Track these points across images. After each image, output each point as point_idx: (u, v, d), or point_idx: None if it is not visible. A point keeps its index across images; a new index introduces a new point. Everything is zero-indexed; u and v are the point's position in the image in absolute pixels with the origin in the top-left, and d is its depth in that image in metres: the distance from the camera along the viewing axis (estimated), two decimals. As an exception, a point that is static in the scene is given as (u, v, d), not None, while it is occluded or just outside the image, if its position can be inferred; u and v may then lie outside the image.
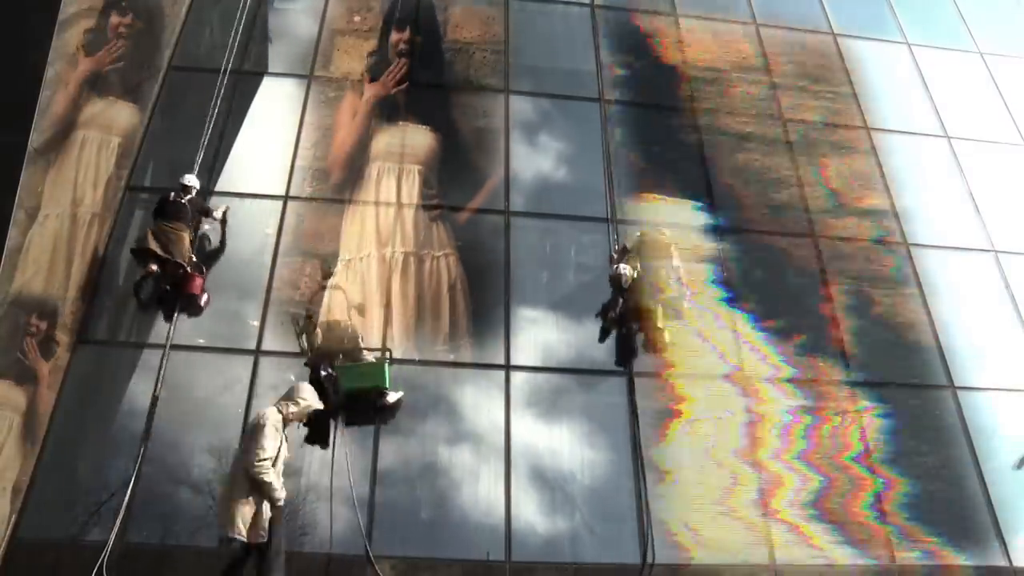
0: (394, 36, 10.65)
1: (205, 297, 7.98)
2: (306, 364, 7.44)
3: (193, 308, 7.94)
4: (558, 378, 8.16)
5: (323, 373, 7.26)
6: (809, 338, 8.77)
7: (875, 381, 8.59)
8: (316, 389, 6.95)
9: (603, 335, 8.43)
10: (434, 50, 10.64)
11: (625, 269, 8.29)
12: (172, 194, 8.01)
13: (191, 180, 8.19)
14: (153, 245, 7.62)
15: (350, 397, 7.35)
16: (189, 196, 8.06)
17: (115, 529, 6.56)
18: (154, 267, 7.66)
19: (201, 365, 7.74)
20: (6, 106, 6.97)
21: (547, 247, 9.04)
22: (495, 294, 8.54)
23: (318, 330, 7.48)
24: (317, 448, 7.34)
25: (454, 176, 9.38)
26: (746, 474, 7.73)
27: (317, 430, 7.34)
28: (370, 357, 7.58)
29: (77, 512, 6.83)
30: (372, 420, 7.52)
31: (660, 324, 8.24)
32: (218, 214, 8.37)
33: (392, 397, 7.53)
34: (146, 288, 7.91)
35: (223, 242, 8.47)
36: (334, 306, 8.00)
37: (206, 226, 8.30)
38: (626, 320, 8.33)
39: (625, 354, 8.31)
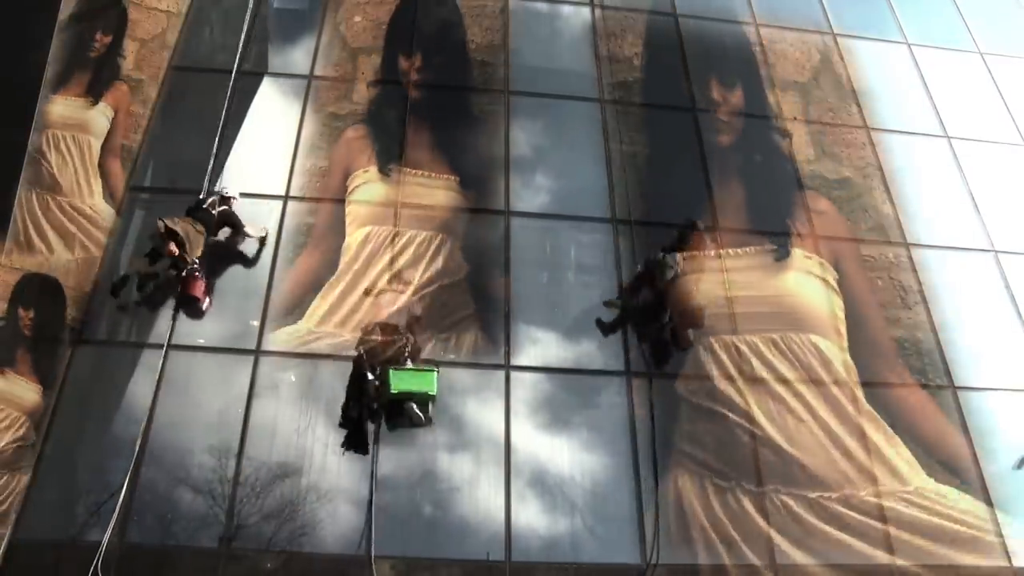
0: (403, 63, 10.38)
1: (207, 301, 7.99)
2: (355, 361, 7.52)
3: (194, 311, 7.94)
4: (558, 378, 8.16)
5: (370, 376, 7.39)
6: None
7: (874, 380, 8.62)
8: (355, 387, 7.31)
9: (619, 313, 8.45)
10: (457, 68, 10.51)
11: (671, 261, 8.28)
12: (209, 200, 8.13)
13: (232, 192, 8.32)
14: (179, 228, 7.67)
15: (394, 401, 7.42)
16: (224, 207, 8.14)
17: (109, 529, 6.57)
18: (175, 248, 7.64)
19: (201, 365, 7.75)
20: (6, 106, 6.96)
21: (547, 247, 9.04)
22: (495, 294, 8.54)
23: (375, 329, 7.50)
24: (321, 444, 7.36)
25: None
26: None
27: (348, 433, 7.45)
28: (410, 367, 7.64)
29: (77, 512, 6.84)
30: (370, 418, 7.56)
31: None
32: (253, 231, 8.34)
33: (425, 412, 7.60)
34: (128, 289, 7.93)
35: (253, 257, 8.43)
36: (392, 309, 7.96)
37: (221, 237, 8.28)
38: (653, 310, 8.37)
39: (659, 352, 8.36)
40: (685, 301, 8.46)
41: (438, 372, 7.63)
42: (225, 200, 8.23)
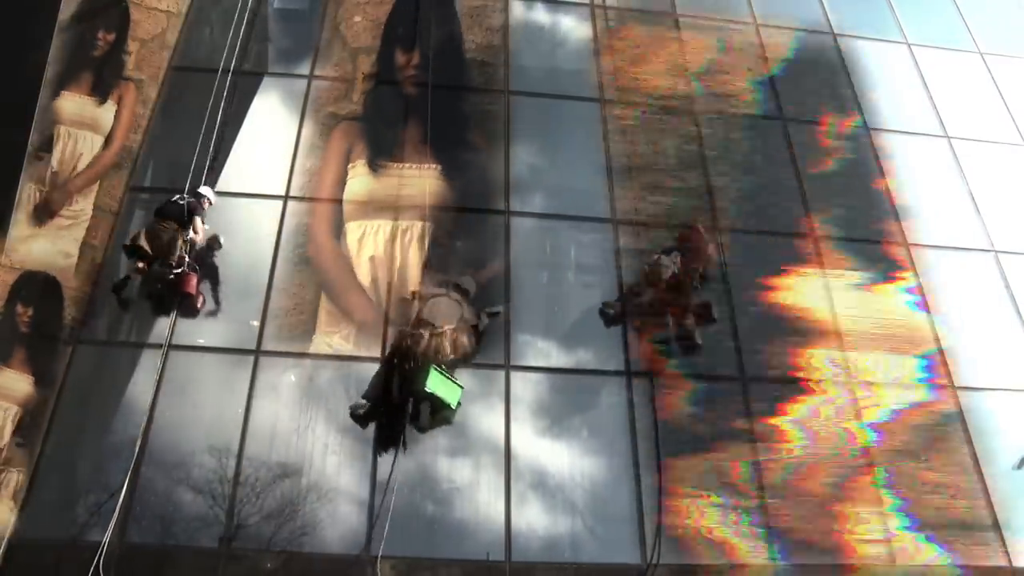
0: (400, 59, 10.41)
1: (201, 299, 7.98)
2: (398, 346, 7.48)
3: (189, 309, 7.94)
4: (558, 378, 8.16)
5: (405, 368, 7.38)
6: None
7: (876, 381, 8.62)
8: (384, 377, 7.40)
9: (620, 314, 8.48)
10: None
11: (668, 262, 8.33)
12: (177, 196, 8.02)
13: (206, 191, 8.23)
14: (143, 242, 7.64)
15: (418, 397, 7.39)
16: (192, 200, 8.01)
17: (109, 529, 6.57)
18: (140, 264, 7.66)
19: (201, 365, 7.75)
20: (6, 106, 6.96)
21: (547, 247, 9.04)
22: (495, 294, 8.54)
23: (442, 332, 7.49)
24: (322, 444, 7.37)
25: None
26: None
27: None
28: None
29: (77, 512, 6.84)
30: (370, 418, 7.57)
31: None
32: (200, 233, 8.01)
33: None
34: (129, 288, 7.90)
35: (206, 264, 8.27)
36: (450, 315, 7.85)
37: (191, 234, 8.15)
38: (655, 310, 8.41)
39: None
40: (689, 296, 8.47)
41: (463, 389, 7.57)
42: (195, 195, 8.10)
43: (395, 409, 7.41)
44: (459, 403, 7.49)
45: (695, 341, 8.39)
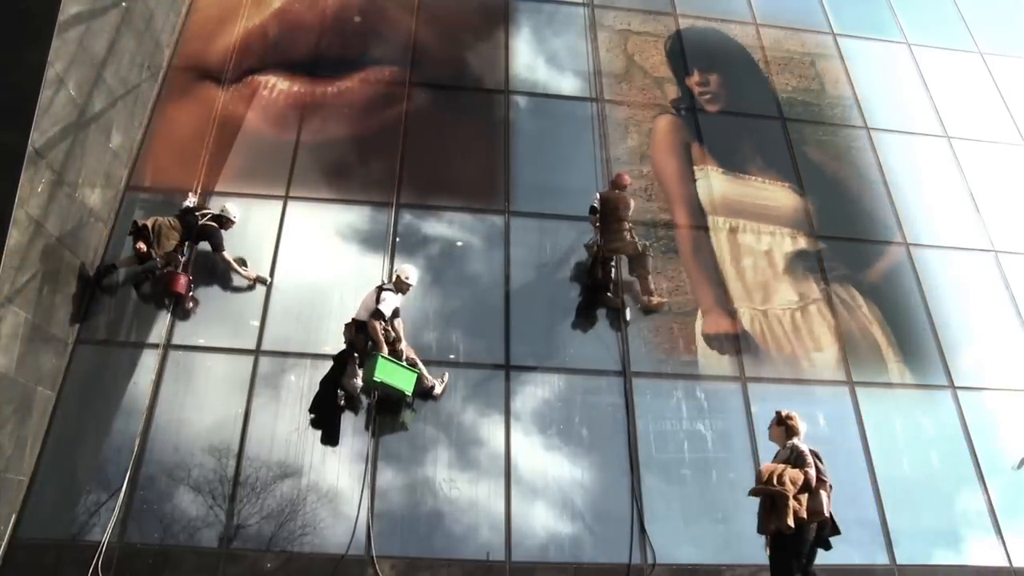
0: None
1: (191, 301, 8.02)
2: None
3: (178, 308, 7.97)
4: (558, 378, 8.16)
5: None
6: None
7: (874, 381, 8.63)
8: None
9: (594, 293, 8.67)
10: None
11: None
12: (202, 211, 8.20)
13: (231, 209, 8.28)
14: (147, 223, 7.81)
15: (369, 387, 7.45)
16: (212, 224, 8.12)
17: (109, 529, 6.58)
18: (142, 246, 7.73)
19: (201, 365, 7.74)
20: (6, 106, 6.96)
21: (547, 247, 9.03)
22: (495, 294, 8.55)
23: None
24: (321, 444, 7.38)
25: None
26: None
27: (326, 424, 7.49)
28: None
29: (77, 512, 6.84)
30: (370, 418, 7.57)
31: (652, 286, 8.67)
32: (247, 273, 8.17)
33: (439, 388, 7.71)
34: (113, 277, 7.97)
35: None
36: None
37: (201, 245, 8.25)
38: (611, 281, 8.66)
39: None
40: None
41: (418, 375, 7.54)
42: (217, 218, 8.16)
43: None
44: (415, 391, 7.48)
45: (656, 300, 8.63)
